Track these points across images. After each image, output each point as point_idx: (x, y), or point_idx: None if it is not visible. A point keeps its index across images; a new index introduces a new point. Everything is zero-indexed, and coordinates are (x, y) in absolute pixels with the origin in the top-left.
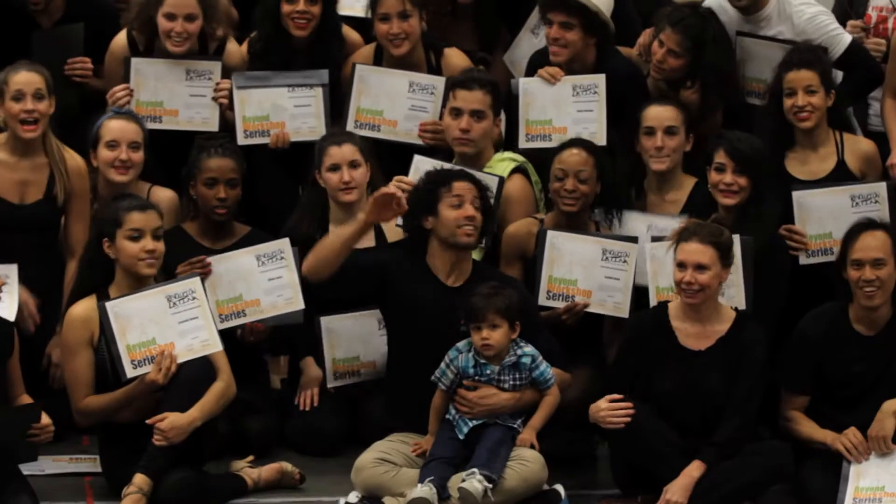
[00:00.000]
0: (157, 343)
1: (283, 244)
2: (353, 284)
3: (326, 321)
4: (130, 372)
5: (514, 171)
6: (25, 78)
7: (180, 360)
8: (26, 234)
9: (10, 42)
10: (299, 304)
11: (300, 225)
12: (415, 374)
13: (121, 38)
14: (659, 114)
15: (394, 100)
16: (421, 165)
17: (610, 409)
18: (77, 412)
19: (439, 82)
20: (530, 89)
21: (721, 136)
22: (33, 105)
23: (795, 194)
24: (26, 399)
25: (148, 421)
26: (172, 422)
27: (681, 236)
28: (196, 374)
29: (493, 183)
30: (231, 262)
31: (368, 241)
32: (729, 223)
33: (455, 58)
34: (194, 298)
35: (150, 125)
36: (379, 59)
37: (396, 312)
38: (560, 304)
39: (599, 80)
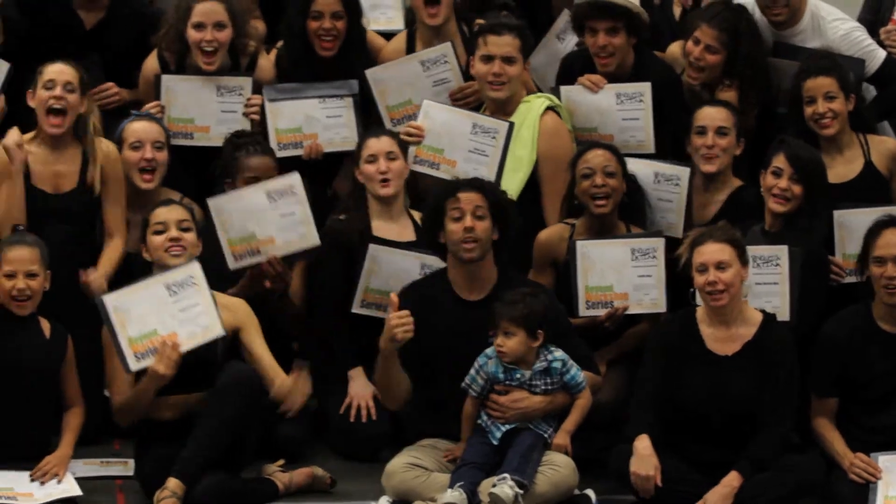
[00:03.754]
0: (159, 333)
1: (294, 179)
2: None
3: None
4: (134, 365)
5: (548, 109)
6: (59, 68)
7: (183, 348)
8: (61, 224)
9: (54, 41)
10: (314, 239)
11: (342, 222)
12: (439, 388)
13: (151, 60)
14: (711, 114)
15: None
16: (430, 110)
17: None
18: (114, 410)
19: (502, 127)
20: (573, 97)
21: (783, 140)
22: (62, 93)
23: (836, 213)
24: (78, 411)
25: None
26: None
27: (694, 242)
28: (239, 379)
29: (501, 128)
30: (242, 201)
31: (409, 235)
32: (778, 227)
33: None
34: (194, 284)
35: (182, 141)
36: (412, 44)
37: (419, 333)
38: (601, 312)
39: (645, 87)
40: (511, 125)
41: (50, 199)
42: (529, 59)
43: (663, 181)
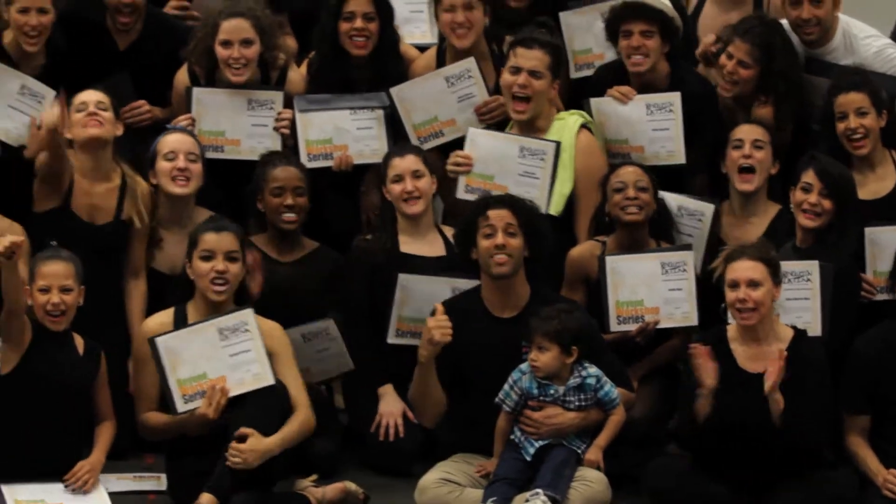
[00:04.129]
0: (209, 377)
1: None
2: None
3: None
4: (181, 407)
5: (582, 126)
6: (89, 92)
7: (232, 394)
8: (95, 253)
9: (89, 62)
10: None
11: (368, 242)
12: (472, 404)
13: (182, 73)
14: (747, 129)
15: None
16: (476, 137)
17: None
18: (138, 424)
19: (549, 147)
20: (603, 109)
21: (812, 156)
22: (96, 110)
23: (868, 231)
24: (109, 425)
25: (232, 446)
26: (254, 445)
27: (728, 257)
28: (269, 399)
29: (548, 149)
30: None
31: (439, 250)
32: (809, 242)
33: None
34: (246, 331)
35: (212, 155)
36: (441, 62)
37: (452, 350)
38: (632, 327)
39: (675, 97)
40: (558, 144)
41: (83, 228)
42: (563, 14)
43: (686, 215)
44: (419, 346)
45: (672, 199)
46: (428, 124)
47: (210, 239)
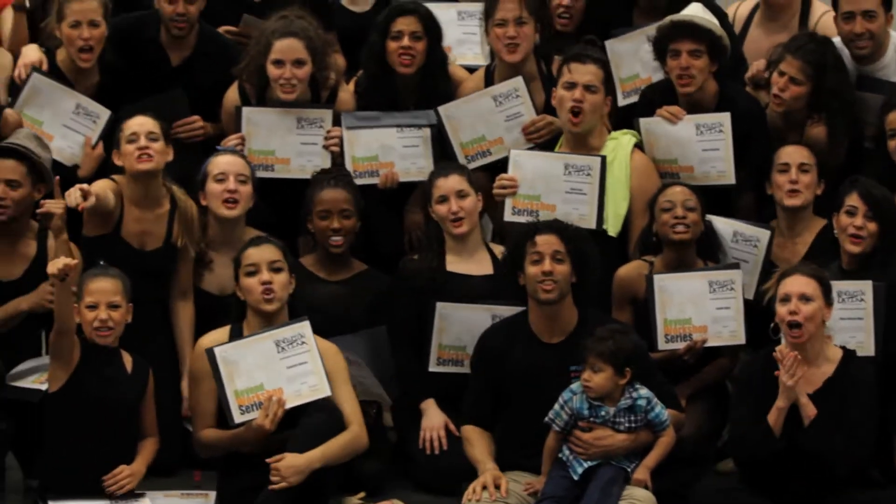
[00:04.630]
0: (265, 388)
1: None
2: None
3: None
4: (238, 418)
5: (635, 146)
6: (139, 121)
7: (289, 405)
8: (144, 278)
9: (142, 78)
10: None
11: (415, 262)
12: (519, 426)
13: (232, 91)
14: (792, 152)
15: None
16: (519, 158)
17: None
18: (195, 441)
19: (595, 162)
20: (652, 129)
21: (855, 180)
22: (147, 143)
23: None
24: (153, 441)
25: (268, 460)
26: (290, 462)
27: (782, 275)
28: (322, 420)
29: (594, 164)
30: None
31: (486, 269)
32: (854, 266)
33: None
34: (303, 343)
35: (263, 174)
36: (490, 83)
37: (506, 379)
38: (680, 346)
39: (724, 118)
40: (603, 159)
41: (133, 254)
42: (609, 42)
43: (742, 241)
44: None
45: (727, 225)
46: (475, 143)
47: (252, 253)
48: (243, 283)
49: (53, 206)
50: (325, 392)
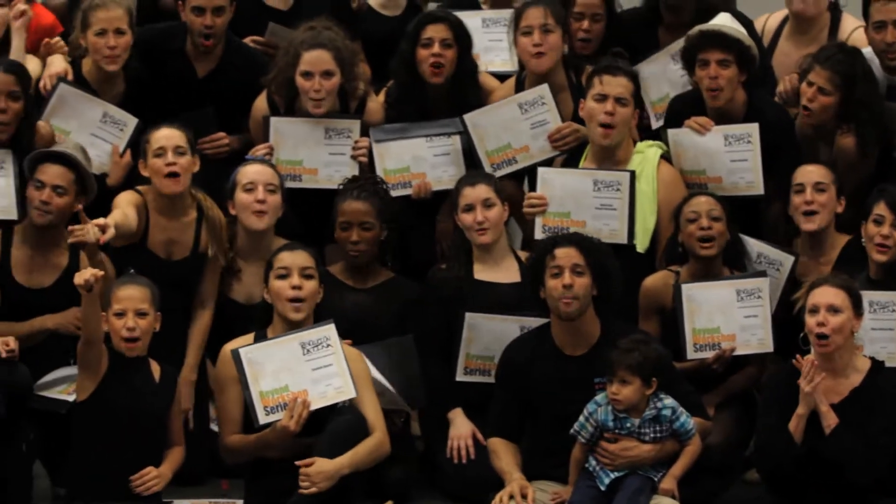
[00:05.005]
0: (291, 390)
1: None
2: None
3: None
4: (263, 419)
5: (662, 158)
6: (166, 133)
7: (313, 407)
8: (171, 288)
9: (168, 89)
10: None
11: (443, 271)
12: (545, 437)
13: (261, 101)
14: (808, 171)
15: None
16: (548, 176)
17: None
18: (221, 448)
19: (624, 177)
20: (680, 140)
21: (882, 189)
22: (174, 159)
23: None
24: (179, 450)
25: (296, 462)
26: (319, 467)
27: (812, 285)
28: (349, 426)
29: (623, 178)
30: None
31: (514, 276)
32: (882, 275)
33: None
34: (329, 345)
35: (290, 184)
36: (520, 90)
37: (531, 392)
38: (708, 355)
39: (752, 129)
40: (632, 174)
41: (160, 264)
42: (637, 67)
43: (765, 263)
44: None
45: (753, 245)
46: (501, 151)
47: (284, 257)
48: (273, 286)
49: (86, 236)
50: (350, 394)
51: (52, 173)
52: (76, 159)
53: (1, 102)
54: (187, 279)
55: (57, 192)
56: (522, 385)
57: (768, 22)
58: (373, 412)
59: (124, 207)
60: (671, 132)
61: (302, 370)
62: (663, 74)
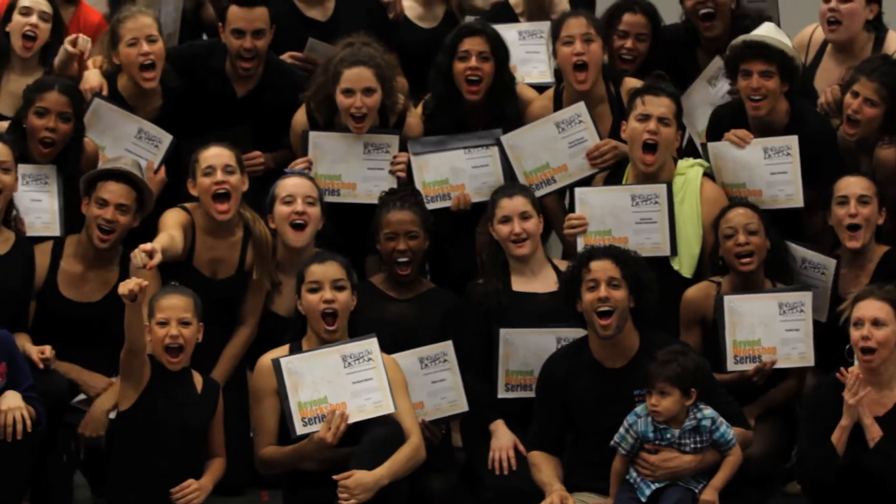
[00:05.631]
0: (329, 402)
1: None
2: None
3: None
4: (300, 429)
5: (704, 175)
6: (216, 152)
7: (352, 420)
8: (214, 305)
9: (206, 108)
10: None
11: (481, 286)
12: (586, 449)
13: (301, 114)
14: (852, 183)
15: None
16: (585, 196)
17: None
18: (256, 459)
19: (661, 189)
20: (719, 153)
21: None
22: (223, 178)
23: None
24: (220, 462)
25: (334, 476)
26: (358, 479)
27: (857, 297)
28: (386, 435)
29: (660, 191)
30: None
31: (552, 286)
32: None
33: (635, 83)
34: (370, 359)
35: (329, 198)
36: (559, 104)
37: (570, 404)
38: (749, 367)
39: (792, 141)
40: (669, 184)
41: (205, 283)
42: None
43: (810, 268)
44: None
45: (796, 250)
46: (539, 171)
47: (315, 270)
48: (305, 300)
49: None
50: (388, 409)
51: (115, 192)
52: (138, 177)
53: (51, 122)
54: (231, 297)
55: (120, 210)
56: (562, 400)
57: (815, 33)
58: (408, 419)
59: (171, 229)
60: (711, 146)
61: (342, 383)
62: (704, 101)
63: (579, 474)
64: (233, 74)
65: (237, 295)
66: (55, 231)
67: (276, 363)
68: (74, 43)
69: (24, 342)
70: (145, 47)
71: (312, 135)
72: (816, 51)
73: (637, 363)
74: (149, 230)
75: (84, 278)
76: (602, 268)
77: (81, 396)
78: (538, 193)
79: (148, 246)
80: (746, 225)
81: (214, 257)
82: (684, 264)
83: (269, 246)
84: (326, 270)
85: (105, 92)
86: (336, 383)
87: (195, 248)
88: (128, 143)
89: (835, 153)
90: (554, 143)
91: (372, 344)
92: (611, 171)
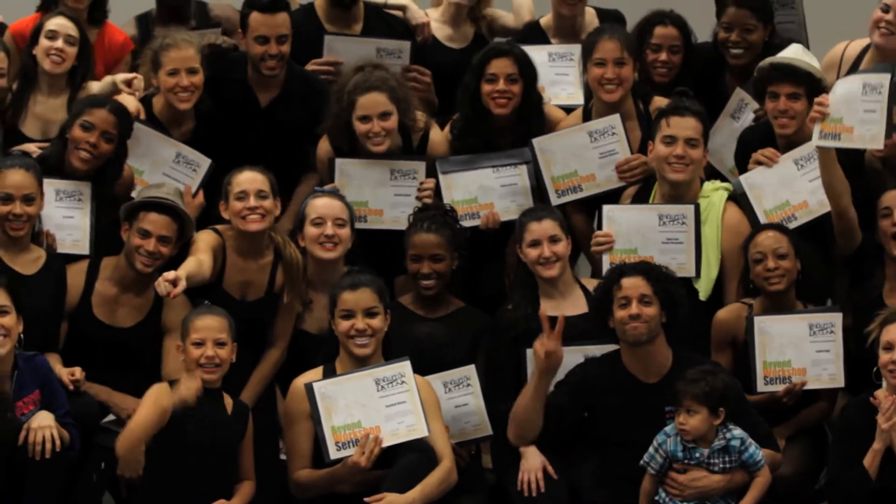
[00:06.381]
0: (363, 426)
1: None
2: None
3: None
4: (334, 454)
5: (728, 199)
6: (249, 177)
7: (385, 444)
8: (243, 327)
9: (232, 121)
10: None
11: (511, 312)
12: (616, 465)
13: (325, 142)
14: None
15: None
16: (612, 214)
17: None
18: (291, 483)
19: (689, 210)
20: (753, 182)
21: None
22: (256, 203)
23: None
24: (249, 486)
25: (366, 500)
26: (391, 501)
27: (885, 320)
28: (419, 459)
29: (688, 212)
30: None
31: (581, 308)
32: None
33: (663, 101)
34: (403, 382)
35: (356, 225)
36: (587, 120)
37: (597, 417)
38: (779, 388)
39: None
40: (697, 206)
41: (235, 305)
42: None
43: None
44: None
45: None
46: (567, 178)
47: (347, 298)
48: (338, 325)
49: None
50: (422, 432)
51: (158, 223)
52: (181, 209)
53: (94, 137)
54: (260, 319)
55: (162, 242)
56: (590, 403)
57: (848, 50)
58: (440, 441)
59: (202, 252)
60: (743, 178)
61: (375, 406)
62: (731, 137)
63: (608, 488)
64: (256, 82)
65: (266, 317)
66: (84, 249)
67: (309, 388)
68: (129, 83)
69: (54, 363)
70: (185, 80)
71: (339, 162)
72: (851, 63)
73: (670, 379)
74: (182, 252)
75: (117, 301)
76: (633, 285)
77: (111, 417)
78: (562, 200)
79: (171, 274)
80: (776, 249)
81: (244, 280)
82: (702, 286)
83: (300, 269)
84: (359, 299)
85: (143, 116)
86: (369, 407)
87: (225, 270)
88: (166, 167)
89: (860, 172)
90: (585, 152)
91: (405, 367)
92: (639, 188)
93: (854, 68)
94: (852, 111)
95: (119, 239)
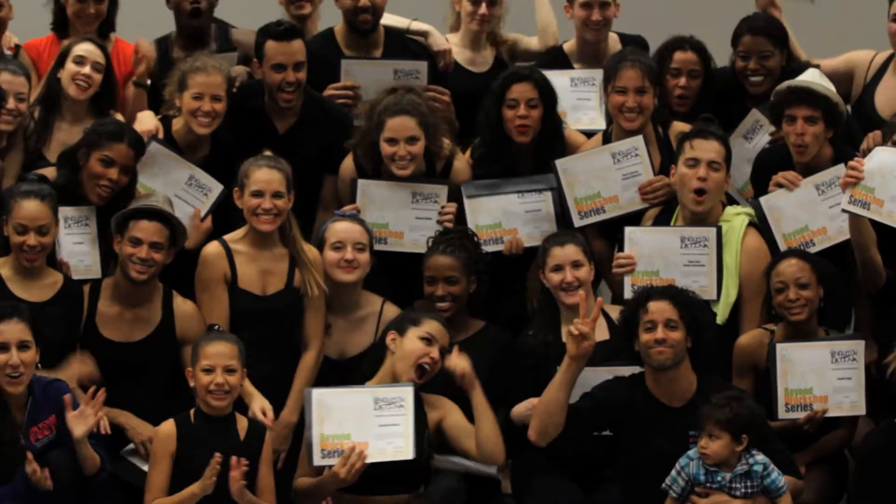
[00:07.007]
0: (352, 439)
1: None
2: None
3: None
4: (318, 460)
5: (749, 225)
6: (266, 177)
7: (369, 460)
8: (267, 324)
9: (249, 148)
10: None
11: (532, 337)
12: (640, 487)
13: (348, 161)
14: None
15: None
16: (634, 236)
17: None
18: (292, 491)
19: (711, 233)
20: (774, 205)
21: None
22: (271, 203)
23: None
24: None
25: None
26: None
27: None
28: (451, 487)
29: (710, 234)
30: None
31: (603, 334)
32: None
33: (682, 126)
34: (401, 406)
35: (375, 246)
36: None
37: (624, 441)
38: (800, 415)
39: (840, 170)
40: (719, 229)
41: (257, 301)
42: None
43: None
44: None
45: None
46: (590, 199)
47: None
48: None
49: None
50: (408, 455)
51: (149, 230)
52: (170, 214)
53: (114, 174)
54: (285, 311)
55: (154, 248)
56: (614, 419)
57: (875, 59)
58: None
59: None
60: (763, 200)
61: (368, 423)
62: (742, 158)
63: None
64: (273, 110)
65: (289, 313)
66: (97, 274)
67: (308, 393)
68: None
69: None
70: (207, 105)
71: (361, 182)
72: (877, 70)
73: (694, 404)
74: (186, 266)
75: (122, 318)
76: (660, 309)
77: (131, 446)
78: (585, 222)
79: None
80: (798, 279)
81: (261, 270)
82: (719, 310)
83: (315, 260)
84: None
85: (161, 135)
86: (363, 423)
87: (237, 270)
88: (178, 188)
89: None
90: (608, 173)
91: (407, 392)
92: (662, 210)
93: (879, 76)
94: (886, 185)
95: None
